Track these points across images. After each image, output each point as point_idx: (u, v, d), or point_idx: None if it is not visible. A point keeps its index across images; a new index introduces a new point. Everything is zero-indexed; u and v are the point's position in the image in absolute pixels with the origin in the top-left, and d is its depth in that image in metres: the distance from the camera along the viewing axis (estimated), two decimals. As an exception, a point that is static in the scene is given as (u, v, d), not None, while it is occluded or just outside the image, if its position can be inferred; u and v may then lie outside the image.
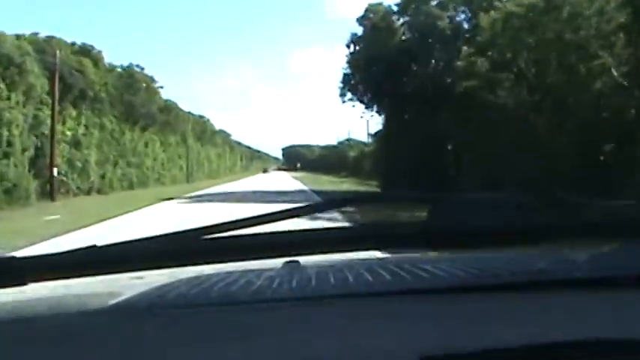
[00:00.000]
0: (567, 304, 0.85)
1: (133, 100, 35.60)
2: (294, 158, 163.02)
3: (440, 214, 0.91)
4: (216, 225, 0.92)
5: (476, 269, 1.08)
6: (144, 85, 37.96)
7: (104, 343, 0.77)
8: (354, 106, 33.88)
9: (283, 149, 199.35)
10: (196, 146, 59.63)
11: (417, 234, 0.90)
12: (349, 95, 33.78)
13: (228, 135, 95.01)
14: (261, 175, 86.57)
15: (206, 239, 0.91)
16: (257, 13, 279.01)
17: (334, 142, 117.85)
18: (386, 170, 33.26)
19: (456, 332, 0.77)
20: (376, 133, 40.29)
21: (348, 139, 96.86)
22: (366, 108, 34.06)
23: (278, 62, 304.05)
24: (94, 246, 0.89)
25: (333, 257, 1.04)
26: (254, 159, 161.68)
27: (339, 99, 33.52)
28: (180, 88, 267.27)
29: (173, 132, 48.96)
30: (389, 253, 1.29)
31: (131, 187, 35.80)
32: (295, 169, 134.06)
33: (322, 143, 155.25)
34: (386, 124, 34.77)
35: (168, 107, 46.48)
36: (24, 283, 0.86)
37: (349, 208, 10.86)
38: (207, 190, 36.07)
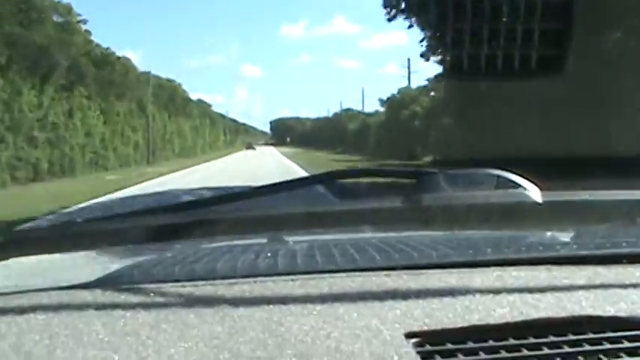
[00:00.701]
0: (553, 281, 0.86)
1: (36, 39, 21.64)
2: (284, 132, 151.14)
3: (426, 189, 0.88)
4: (203, 200, 0.93)
5: (462, 246, 1.12)
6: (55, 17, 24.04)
7: (86, 316, 0.77)
8: (410, 26, 20.51)
9: (271, 122, 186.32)
10: (161, 117, 46.51)
11: (404, 209, 0.88)
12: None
13: (208, 105, 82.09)
14: (244, 153, 73.67)
15: (192, 213, 0.91)
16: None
17: (326, 115, 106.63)
18: (446, 140, 22.61)
19: (442, 308, 0.77)
20: (438, 76, 25.19)
21: (346, 109, 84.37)
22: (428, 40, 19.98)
23: (265, 38, 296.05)
24: (77, 221, 0.91)
25: (318, 234, 1.09)
26: (239, 133, 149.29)
27: (385, 15, 20.76)
28: (168, 64, 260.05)
29: (122, 97, 35.46)
30: (375, 229, 1.27)
31: (37, 176, 22.84)
32: (285, 144, 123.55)
33: (313, 116, 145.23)
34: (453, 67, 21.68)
35: (110, 60, 32.52)
36: (7, 258, 0.86)
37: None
38: (163, 178, 24.40)
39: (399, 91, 44.24)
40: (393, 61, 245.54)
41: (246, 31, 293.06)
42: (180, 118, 56.09)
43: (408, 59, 47.52)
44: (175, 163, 39.03)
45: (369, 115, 64.87)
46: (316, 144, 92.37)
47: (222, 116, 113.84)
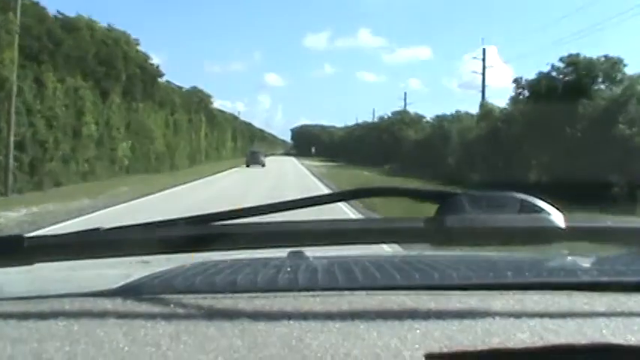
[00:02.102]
0: (573, 307, 0.87)
1: None
2: (307, 141, 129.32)
3: (449, 210, 0.88)
4: (224, 212, 0.93)
5: (483, 268, 1.13)
6: None
7: (107, 325, 0.78)
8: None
9: (293, 130, 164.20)
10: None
11: (426, 229, 0.88)
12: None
13: (208, 96, 59.57)
14: (242, 173, 40.07)
15: (213, 225, 0.91)
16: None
17: (360, 121, 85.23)
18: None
19: (462, 330, 0.77)
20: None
21: (404, 110, 61.98)
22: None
23: (289, 47, 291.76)
24: (99, 228, 0.89)
25: (339, 250, 1.04)
26: (255, 140, 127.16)
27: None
28: (191, 71, 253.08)
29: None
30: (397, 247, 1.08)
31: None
32: (308, 155, 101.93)
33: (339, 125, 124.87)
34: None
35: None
36: (31, 263, 0.87)
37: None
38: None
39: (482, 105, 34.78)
40: (416, 76, 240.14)
41: (270, 40, 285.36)
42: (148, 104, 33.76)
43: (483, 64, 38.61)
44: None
45: (443, 119, 42.54)
46: (348, 157, 72.78)
47: (232, 117, 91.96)
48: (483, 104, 34.68)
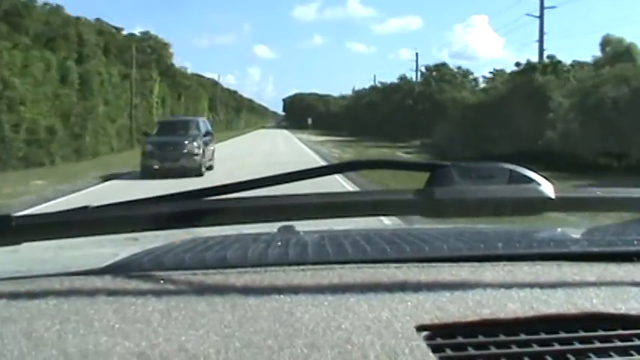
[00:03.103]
0: (563, 277, 0.88)
1: None
2: (301, 112, 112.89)
3: (438, 182, 0.88)
4: (214, 187, 0.92)
5: (473, 240, 1.14)
6: None
7: (96, 303, 0.78)
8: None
9: (285, 100, 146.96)
10: None
11: (415, 201, 0.87)
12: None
13: (163, 45, 42.55)
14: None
15: (202, 201, 0.90)
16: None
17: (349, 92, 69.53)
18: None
19: (453, 302, 0.78)
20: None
21: (442, 64, 45.73)
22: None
23: (278, 18, 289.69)
24: (87, 207, 0.88)
25: (330, 224, 1.07)
26: (242, 112, 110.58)
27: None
28: (180, 44, 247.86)
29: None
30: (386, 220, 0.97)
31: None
32: (304, 127, 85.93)
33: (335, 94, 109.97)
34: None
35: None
36: (19, 242, 0.86)
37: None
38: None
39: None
40: (407, 46, 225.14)
41: (258, 12, 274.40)
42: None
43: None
44: None
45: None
46: (354, 130, 58.62)
47: (211, 84, 75.35)
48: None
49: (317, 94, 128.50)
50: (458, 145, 24.56)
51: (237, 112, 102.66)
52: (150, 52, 38.74)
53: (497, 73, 34.34)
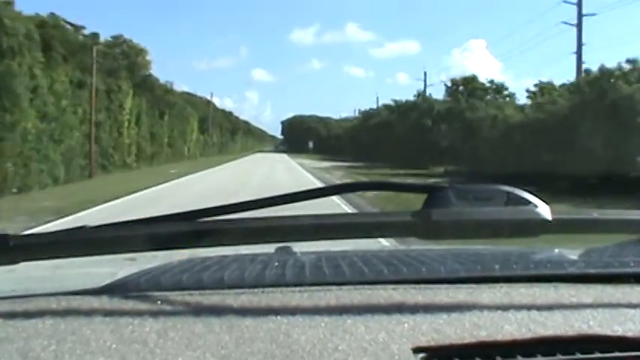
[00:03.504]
0: (560, 299, 0.88)
1: None
2: (300, 135, 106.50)
3: (436, 204, 0.88)
4: (212, 208, 0.92)
5: (470, 261, 1.14)
6: None
7: (93, 323, 0.78)
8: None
9: (283, 123, 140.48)
10: None
11: (413, 223, 0.87)
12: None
13: (139, 52, 35.52)
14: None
15: (200, 222, 0.90)
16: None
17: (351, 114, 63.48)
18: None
19: (450, 324, 0.78)
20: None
21: (472, 77, 39.03)
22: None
23: (276, 42, 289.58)
24: (85, 226, 0.89)
25: (327, 245, 1.05)
26: (238, 134, 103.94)
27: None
28: (178, 68, 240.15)
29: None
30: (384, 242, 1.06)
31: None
32: (304, 152, 79.79)
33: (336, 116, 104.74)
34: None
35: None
36: (17, 262, 0.86)
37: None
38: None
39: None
40: (405, 71, 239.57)
41: (256, 36, 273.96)
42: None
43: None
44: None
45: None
46: (361, 155, 54.29)
47: (203, 103, 68.78)
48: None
49: (317, 117, 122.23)
50: (498, 174, 18.73)
51: (232, 134, 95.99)
52: (121, 59, 31.91)
53: (546, 87, 27.71)
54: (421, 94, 44.37)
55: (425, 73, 53.17)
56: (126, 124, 29.83)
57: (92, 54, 24.22)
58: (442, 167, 35.39)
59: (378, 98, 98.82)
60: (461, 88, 37.47)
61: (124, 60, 32.40)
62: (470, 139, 30.58)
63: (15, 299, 0.89)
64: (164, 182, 22.98)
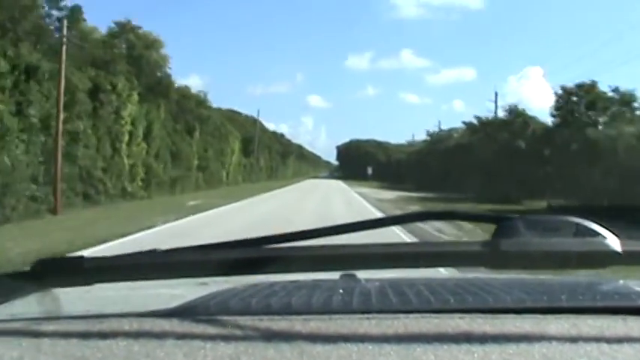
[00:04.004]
0: (629, 332, 0.87)
1: None
2: (357, 160, 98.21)
3: (504, 234, 0.88)
4: (275, 236, 0.93)
5: (537, 291, 1.14)
6: None
7: (166, 345, 0.79)
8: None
9: (339, 147, 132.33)
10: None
11: (481, 253, 0.88)
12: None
13: (161, 61, 27.69)
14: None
15: (268, 249, 0.92)
16: (308, 19, 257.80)
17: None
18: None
19: (519, 354, 0.78)
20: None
21: (591, 84, 30.20)
22: None
23: (331, 68, 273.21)
24: (155, 250, 0.92)
25: (390, 272, 1.07)
26: (289, 158, 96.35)
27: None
28: (233, 92, 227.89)
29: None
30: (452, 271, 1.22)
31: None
32: (364, 178, 71.78)
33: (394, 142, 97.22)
34: None
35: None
36: (91, 283, 0.89)
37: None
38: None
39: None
40: (460, 98, 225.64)
41: (312, 62, 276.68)
42: None
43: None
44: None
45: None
46: (426, 183, 48.08)
47: (249, 122, 61.30)
48: None
49: (375, 141, 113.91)
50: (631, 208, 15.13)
51: (283, 158, 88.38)
52: (129, 48, 23.97)
53: None
54: (513, 110, 35.43)
55: (496, 94, 44.61)
56: (126, 137, 21.92)
57: (62, 32, 16.32)
58: (543, 201, 26.81)
59: (440, 122, 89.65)
60: (574, 98, 28.42)
61: (132, 50, 24.40)
62: (588, 164, 22.43)
63: (89, 319, 0.91)
64: (163, 223, 14.97)
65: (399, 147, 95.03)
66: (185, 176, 31.38)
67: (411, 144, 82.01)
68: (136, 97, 22.69)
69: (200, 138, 34.80)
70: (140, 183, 23.69)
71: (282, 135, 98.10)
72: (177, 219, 16.21)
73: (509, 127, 34.73)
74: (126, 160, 21.91)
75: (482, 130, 37.80)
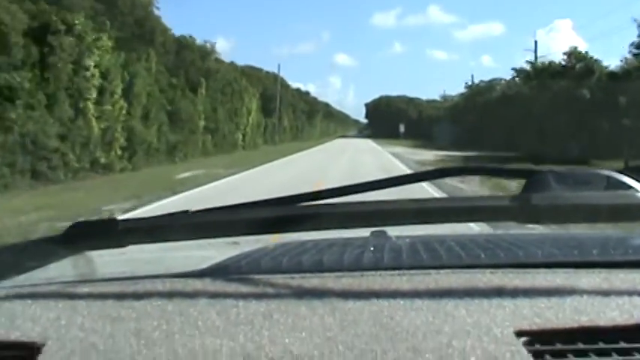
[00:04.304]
0: None
1: None
2: (388, 118, 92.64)
3: (535, 188, 0.88)
4: (307, 194, 0.94)
5: (568, 246, 1.13)
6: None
7: (199, 304, 0.80)
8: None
9: (367, 105, 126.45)
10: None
11: (511, 207, 0.87)
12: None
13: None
14: None
15: (300, 207, 0.92)
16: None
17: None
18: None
19: (550, 308, 0.78)
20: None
21: None
22: None
23: (358, 26, 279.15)
24: (187, 211, 0.92)
25: (420, 229, 1.05)
26: (316, 117, 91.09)
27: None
28: (259, 53, 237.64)
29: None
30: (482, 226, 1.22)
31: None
32: (395, 137, 66.76)
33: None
34: None
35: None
36: (124, 245, 0.90)
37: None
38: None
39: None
40: (488, 53, 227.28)
41: (338, 20, 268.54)
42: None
43: None
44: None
45: None
46: (461, 140, 44.68)
47: (269, 77, 56.11)
48: None
49: (406, 97, 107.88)
50: None
51: (309, 117, 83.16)
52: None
53: None
54: (573, 52, 29.81)
55: (535, 42, 38.79)
56: (93, 94, 17.00)
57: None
58: (618, 161, 21.64)
59: (472, 76, 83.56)
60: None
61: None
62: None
63: (123, 281, 0.93)
64: (112, 215, 10.31)
65: (431, 103, 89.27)
66: (188, 141, 26.55)
67: (445, 98, 76.41)
68: (107, 42, 17.71)
69: (207, 95, 29.85)
70: (119, 152, 18.85)
71: (307, 93, 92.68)
72: (140, 205, 11.40)
73: (569, 73, 29.23)
74: (95, 123, 17.01)
75: (537, 77, 32.11)
